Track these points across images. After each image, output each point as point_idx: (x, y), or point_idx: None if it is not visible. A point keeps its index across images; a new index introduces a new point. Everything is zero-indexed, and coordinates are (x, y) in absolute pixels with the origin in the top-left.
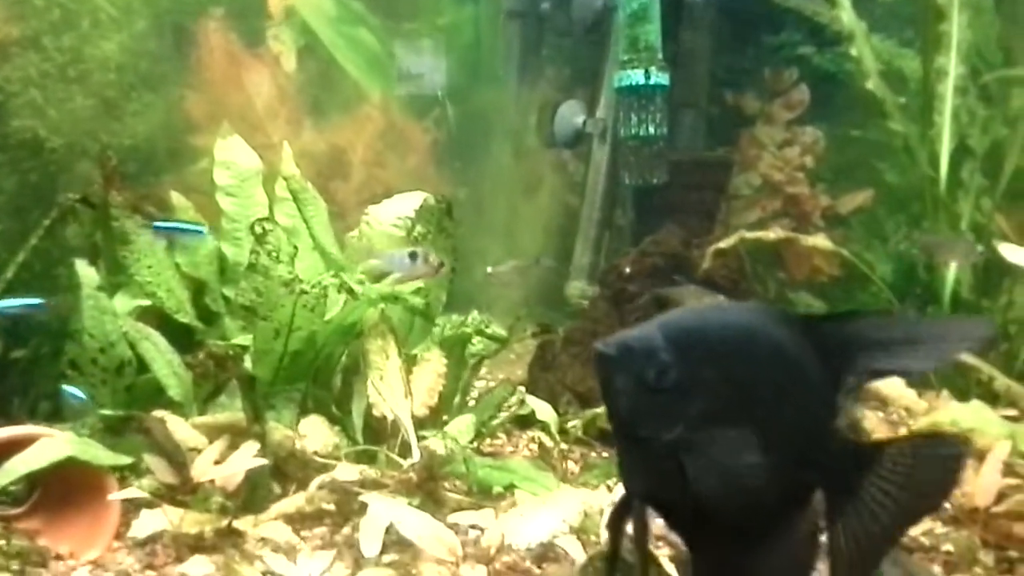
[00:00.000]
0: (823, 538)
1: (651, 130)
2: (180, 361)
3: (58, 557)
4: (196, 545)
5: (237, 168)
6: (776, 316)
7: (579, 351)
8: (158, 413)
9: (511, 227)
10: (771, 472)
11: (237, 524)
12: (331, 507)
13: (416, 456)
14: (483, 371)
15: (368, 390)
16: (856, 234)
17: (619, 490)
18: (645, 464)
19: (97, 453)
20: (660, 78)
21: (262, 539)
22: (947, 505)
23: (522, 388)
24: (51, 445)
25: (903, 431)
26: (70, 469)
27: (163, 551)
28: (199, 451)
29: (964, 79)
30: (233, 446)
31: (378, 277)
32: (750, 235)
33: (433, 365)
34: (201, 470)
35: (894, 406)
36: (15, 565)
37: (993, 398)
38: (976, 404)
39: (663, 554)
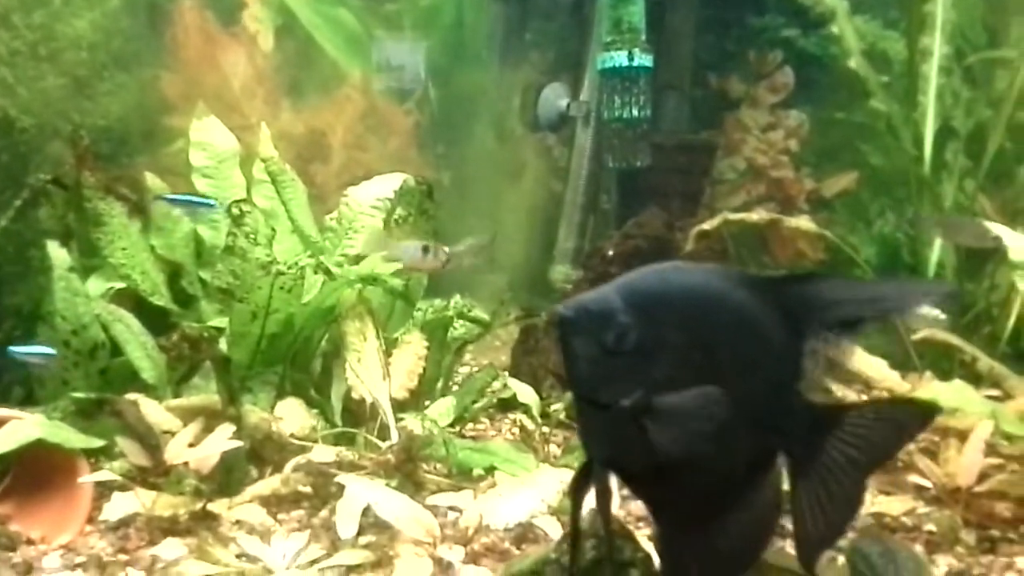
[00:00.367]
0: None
1: (634, 112)
2: (154, 343)
3: (29, 542)
4: (170, 528)
5: (214, 149)
6: (737, 277)
7: None
8: (131, 396)
9: (494, 211)
10: (734, 435)
11: (212, 507)
12: (308, 490)
13: (395, 438)
14: (468, 357)
15: (346, 373)
16: (840, 217)
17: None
18: (606, 429)
19: (68, 436)
20: (643, 60)
21: (237, 522)
22: (930, 485)
23: (505, 373)
24: (20, 427)
25: None
26: (41, 453)
27: (136, 535)
28: (173, 434)
29: (949, 59)
30: (208, 429)
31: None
32: (734, 217)
33: (413, 348)
34: (175, 453)
35: (877, 387)
36: None
37: (976, 379)
38: (958, 383)
39: (643, 534)
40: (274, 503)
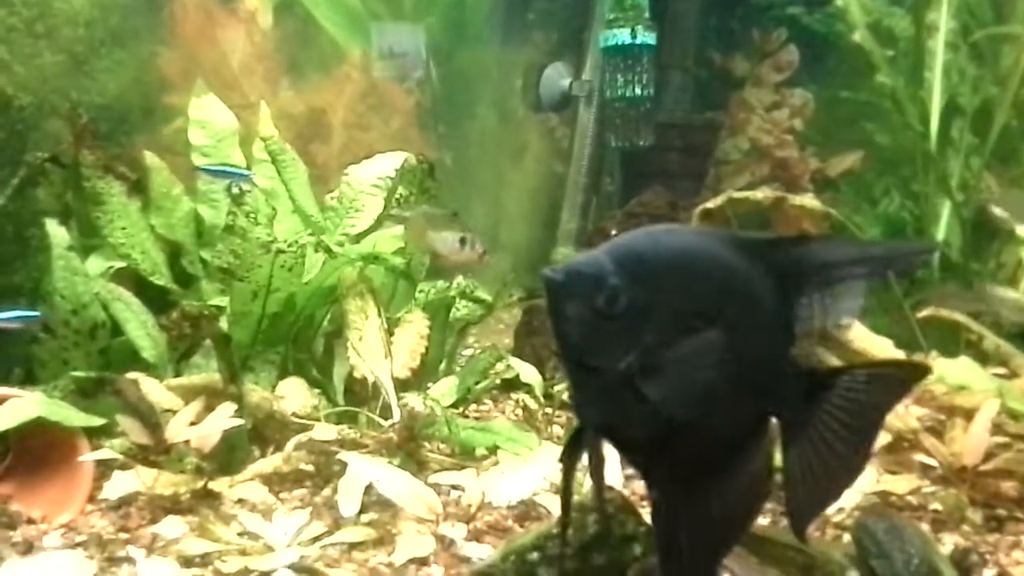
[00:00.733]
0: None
1: (637, 91)
2: (154, 322)
3: (30, 521)
4: (171, 507)
5: (213, 128)
6: (728, 239)
7: None
8: (131, 375)
9: (497, 192)
10: (727, 398)
11: (213, 486)
12: (311, 469)
13: (397, 417)
14: (472, 340)
15: (348, 352)
16: (845, 196)
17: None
18: (598, 394)
19: (68, 414)
20: (646, 37)
21: (239, 500)
22: (936, 464)
23: (508, 354)
24: (20, 406)
25: None
26: (42, 432)
27: (137, 513)
28: (174, 413)
29: (955, 35)
30: (209, 408)
31: None
32: (738, 195)
33: (415, 327)
34: (176, 431)
35: None
36: None
37: (983, 359)
38: (964, 360)
39: (647, 512)
40: (276, 482)
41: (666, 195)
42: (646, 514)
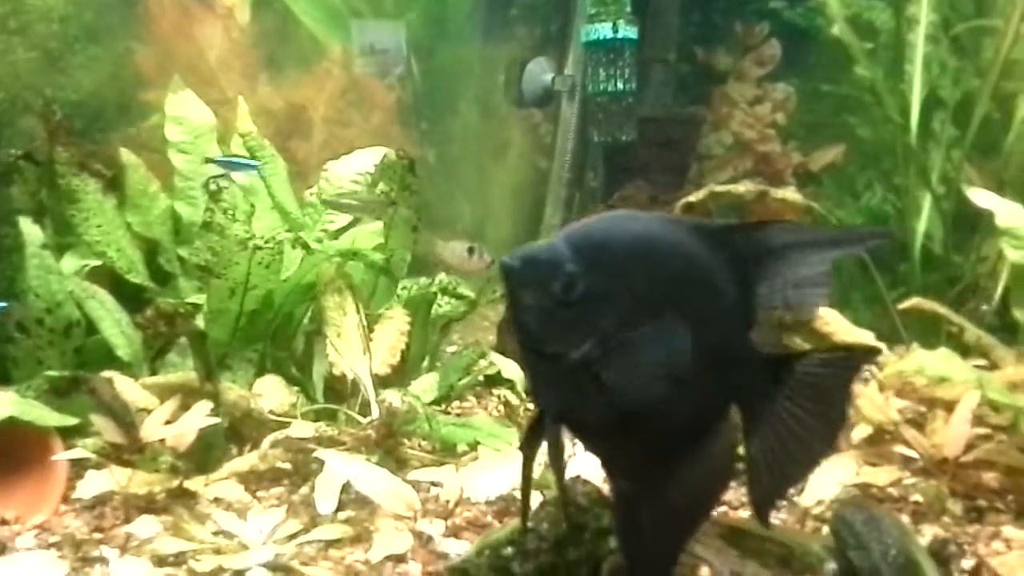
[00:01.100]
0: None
1: (619, 85)
2: (129, 320)
3: (3, 522)
4: (146, 506)
5: (190, 124)
6: (686, 226)
7: None
8: (106, 373)
9: (480, 188)
10: (687, 384)
11: (189, 485)
12: (288, 467)
13: (376, 414)
14: (455, 337)
15: (327, 348)
16: (828, 190)
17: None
18: (556, 381)
19: (41, 414)
20: (628, 31)
21: (216, 499)
22: (916, 456)
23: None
24: None
25: (871, 384)
26: (14, 432)
27: (112, 513)
28: (149, 411)
29: (936, 28)
30: (185, 406)
31: None
32: (720, 189)
33: (395, 323)
34: (151, 430)
35: None
36: None
37: (964, 350)
38: (944, 351)
39: None
40: (253, 480)
41: (648, 189)
42: None
